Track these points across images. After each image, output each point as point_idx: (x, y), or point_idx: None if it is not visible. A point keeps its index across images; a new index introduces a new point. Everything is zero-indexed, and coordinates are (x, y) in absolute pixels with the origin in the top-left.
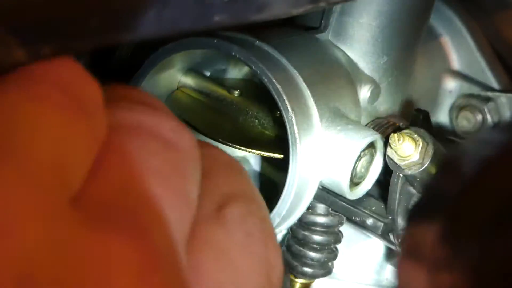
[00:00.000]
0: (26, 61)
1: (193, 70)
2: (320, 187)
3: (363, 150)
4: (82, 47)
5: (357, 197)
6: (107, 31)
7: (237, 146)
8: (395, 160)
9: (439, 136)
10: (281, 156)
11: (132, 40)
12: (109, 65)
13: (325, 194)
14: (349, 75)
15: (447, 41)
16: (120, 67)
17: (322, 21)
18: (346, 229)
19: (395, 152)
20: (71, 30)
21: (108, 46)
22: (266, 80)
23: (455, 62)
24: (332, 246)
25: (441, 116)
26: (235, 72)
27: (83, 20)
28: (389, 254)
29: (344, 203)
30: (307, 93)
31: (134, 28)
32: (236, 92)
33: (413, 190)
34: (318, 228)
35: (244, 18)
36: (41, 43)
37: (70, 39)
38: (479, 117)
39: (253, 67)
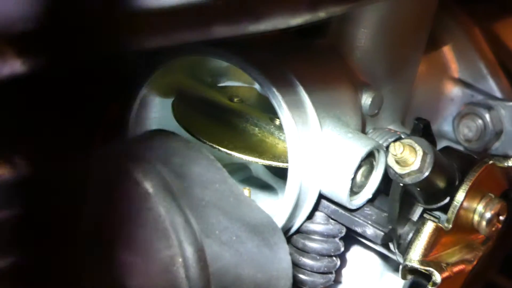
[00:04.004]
0: (22, 70)
1: (194, 77)
2: (321, 196)
3: (363, 159)
4: (79, 56)
5: (357, 207)
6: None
7: (237, 154)
8: (396, 170)
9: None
10: (281, 164)
11: (133, 49)
12: (112, 71)
13: (325, 203)
14: (350, 83)
15: (448, 49)
16: (123, 73)
17: (323, 28)
18: (346, 238)
19: (395, 161)
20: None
21: (105, 55)
22: (266, 88)
23: (457, 70)
24: (332, 255)
25: (443, 124)
26: (236, 80)
27: (79, 30)
28: (389, 263)
29: (344, 212)
30: (307, 101)
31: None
32: (237, 99)
33: (413, 200)
34: (317, 237)
35: (242, 29)
36: (37, 52)
37: (67, 48)
38: (481, 125)
39: (253, 75)
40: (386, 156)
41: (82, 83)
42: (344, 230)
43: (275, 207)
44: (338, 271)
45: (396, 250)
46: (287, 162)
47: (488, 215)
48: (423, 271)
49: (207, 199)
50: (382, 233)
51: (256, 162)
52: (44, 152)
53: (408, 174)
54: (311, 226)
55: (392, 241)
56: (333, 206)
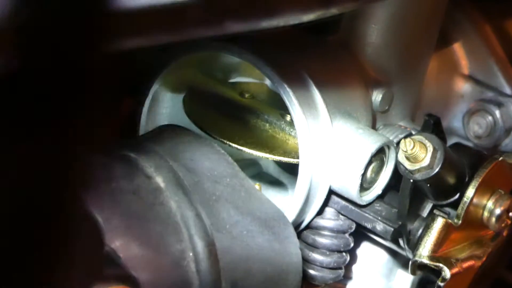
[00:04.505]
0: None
1: (206, 73)
2: (331, 192)
3: (374, 155)
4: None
5: (367, 202)
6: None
7: (247, 149)
8: (406, 166)
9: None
10: (292, 160)
11: (142, 46)
12: (123, 68)
13: (335, 199)
14: (361, 79)
15: (459, 46)
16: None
17: (334, 24)
18: (356, 234)
19: (406, 157)
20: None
21: (115, 52)
22: (277, 84)
23: (467, 67)
24: (341, 251)
25: (453, 121)
26: (247, 76)
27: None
28: (399, 259)
29: (354, 208)
30: (318, 97)
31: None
32: (248, 95)
33: (423, 196)
34: (327, 233)
35: (254, 24)
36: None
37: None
38: (491, 121)
39: (264, 71)
40: (397, 152)
41: (94, 76)
42: (354, 226)
43: (285, 203)
44: (348, 267)
45: (406, 246)
46: (297, 158)
47: (497, 211)
48: (433, 266)
49: (218, 194)
50: (392, 229)
51: (266, 157)
52: (53, 145)
53: (418, 170)
54: (321, 221)
55: (402, 237)
56: (343, 202)
